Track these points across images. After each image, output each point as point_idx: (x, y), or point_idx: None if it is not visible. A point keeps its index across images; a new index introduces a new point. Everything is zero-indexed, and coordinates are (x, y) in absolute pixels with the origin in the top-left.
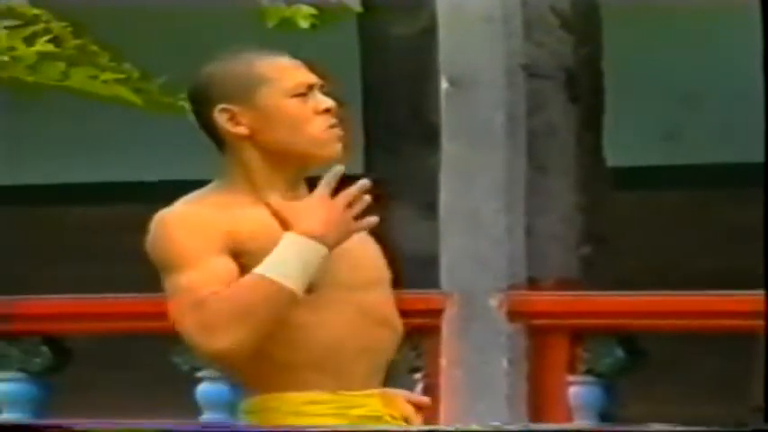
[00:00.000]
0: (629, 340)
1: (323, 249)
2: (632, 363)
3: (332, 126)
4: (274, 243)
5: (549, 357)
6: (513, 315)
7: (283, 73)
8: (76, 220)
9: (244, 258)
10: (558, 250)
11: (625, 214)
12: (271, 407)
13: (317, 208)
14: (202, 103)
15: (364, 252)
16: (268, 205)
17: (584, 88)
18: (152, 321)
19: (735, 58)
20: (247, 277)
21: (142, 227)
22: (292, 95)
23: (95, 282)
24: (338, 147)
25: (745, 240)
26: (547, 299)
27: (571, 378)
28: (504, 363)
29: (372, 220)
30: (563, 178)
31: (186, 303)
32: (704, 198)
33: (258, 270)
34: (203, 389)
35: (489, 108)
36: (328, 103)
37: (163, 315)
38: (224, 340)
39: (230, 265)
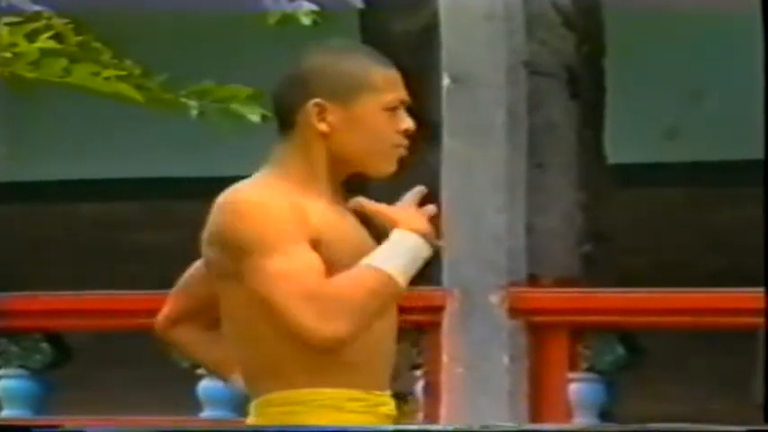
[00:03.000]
0: (629, 337)
1: (429, 249)
2: (632, 360)
3: (401, 146)
4: (343, 240)
5: (549, 354)
6: (514, 312)
7: (388, 84)
8: (81, 217)
9: (317, 250)
10: (558, 247)
11: (626, 212)
12: (311, 400)
13: (416, 213)
14: (296, 90)
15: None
16: (359, 204)
17: (586, 86)
18: (153, 318)
19: (735, 56)
20: (364, 269)
21: (141, 224)
22: (387, 108)
23: (101, 278)
24: (395, 167)
25: (745, 238)
26: (547, 296)
27: (571, 375)
28: (505, 360)
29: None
30: (564, 176)
31: (297, 292)
32: (705, 196)
33: (374, 263)
34: (204, 386)
35: (490, 105)
36: (410, 123)
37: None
38: (342, 330)
39: (316, 255)
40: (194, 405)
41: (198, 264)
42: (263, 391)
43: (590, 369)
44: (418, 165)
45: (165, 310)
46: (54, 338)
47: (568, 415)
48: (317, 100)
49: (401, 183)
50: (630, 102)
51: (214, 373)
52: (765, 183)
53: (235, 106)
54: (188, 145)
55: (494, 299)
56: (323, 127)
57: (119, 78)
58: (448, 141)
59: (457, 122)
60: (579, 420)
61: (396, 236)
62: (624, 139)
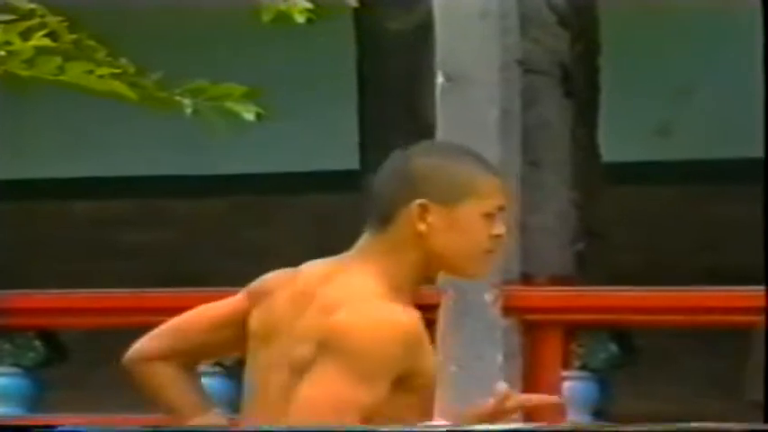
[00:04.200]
0: (622, 336)
1: None
2: (626, 358)
3: (492, 251)
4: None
5: (543, 352)
6: (508, 310)
7: (491, 191)
8: (75, 216)
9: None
10: (552, 245)
11: (619, 210)
12: None
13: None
14: (401, 187)
15: None
16: (505, 394)
17: (580, 84)
18: (146, 316)
19: (728, 54)
20: None
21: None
22: (486, 214)
23: (93, 276)
24: (486, 270)
25: (739, 236)
26: (541, 294)
27: (565, 373)
28: (499, 358)
29: None
30: (557, 173)
31: (353, 417)
32: (698, 193)
33: None
34: (201, 384)
35: (484, 103)
36: (503, 230)
37: (156, 310)
38: None
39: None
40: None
41: (210, 308)
42: None
43: (583, 367)
44: None
45: (147, 346)
46: (48, 336)
47: (562, 413)
48: (422, 201)
49: None
50: (624, 100)
51: (178, 413)
52: (765, 182)
53: (229, 104)
54: (182, 143)
55: (487, 297)
56: (422, 227)
57: (113, 76)
58: (441, 138)
59: (451, 121)
60: (573, 418)
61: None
62: (618, 137)
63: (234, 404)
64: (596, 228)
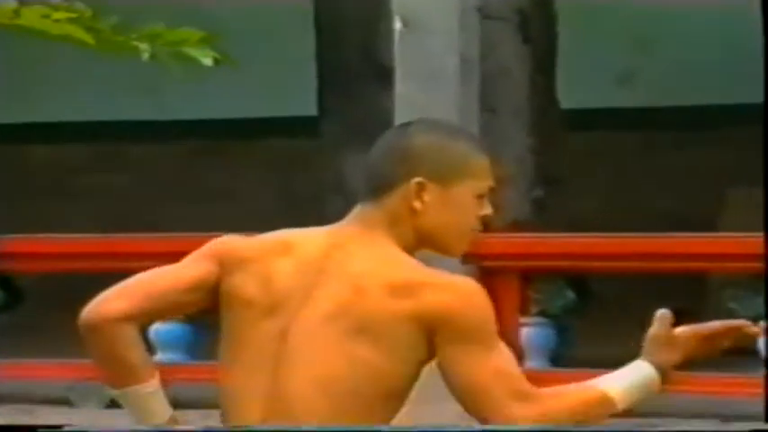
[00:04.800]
0: (580, 282)
1: (660, 383)
2: (583, 304)
3: (476, 230)
4: None
5: (500, 299)
6: (465, 257)
7: (484, 174)
8: (33, 160)
9: None
10: (510, 192)
11: (578, 156)
12: None
13: (666, 344)
14: (400, 164)
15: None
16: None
17: (538, 30)
18: (104, 261)
19: (688, 3)
20: (597, 392)
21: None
22: (478, 195)
23: (51, 220)
24: (465, 249)
25: (696, 182)
26: (499, 241)
27: (523, 319)
28: None
29: None
30: (516, 120)
31: (511, 389)
32: (657, 141)
33: (611, 391)
34: (156, 329)
35: (442, 50)
36: (488, 210)
37: (115, 255)
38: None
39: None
40: (147, 349)
41: (177, 271)
42: None
43: (541, 313)
44: (372, 108)
45: (121, 305)
46: (5, 281)
47: (520, 359)
48: (420, 179)
49: (354, 125)
50: (582, 47)
51: (130, 374)
52: (765, 131)
53: (186, 49)
54: (140, 88)
55: None
56: (417, 205)
57: (69, 21)
58: (400, 86)
59: (408, 67)
60: (530, 363)
61: (644, 370)
62: (576, 84)
63: (186, 348)
64: (555, 174)
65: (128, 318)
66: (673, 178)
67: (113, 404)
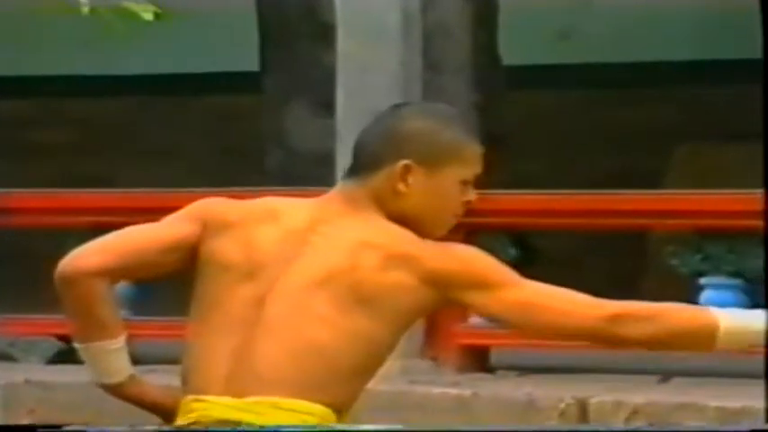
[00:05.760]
0: (523, 238)
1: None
2: (526, 261)
3: (459, 215)
4: None
5: None
6: None
7: (473, 160)
8: None
9: None
10: None
11: (520, 113)
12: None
13: None
14: (389, 145)
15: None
16: None
17: None
18: (48, 216)
19: None
20: (705, 309)
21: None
22: (464, 181)
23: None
24: (443, 234)
25: (637, 140)
26: None
27: None
28: None
29: None
30: (458, 77)
31: (568, 298)
32: (600, 97)
33: (725, 320)
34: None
35: (383, 5)
36: (473, 197)
37: (59, 210)
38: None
39: None
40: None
41: (158, 230)
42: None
43: None
44: (313, 64)
45: (99, 260)
46: None
47: (462, 315)
48: (407, 161)
49: (296, 81)
50: (523, 3)
51: (101, 329)
52: (764, 87)
53: (126, 4)
54: (81, 43)
55: None
56: (401, 187)
57: None
58: (342, 43)
59: (350, 24)
60: (472, 320)
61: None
62: (518, 41)
63: (131, 305)
64: (498, 132)
65: (102, 273)
66: (616, 135)
67: (55, 359)
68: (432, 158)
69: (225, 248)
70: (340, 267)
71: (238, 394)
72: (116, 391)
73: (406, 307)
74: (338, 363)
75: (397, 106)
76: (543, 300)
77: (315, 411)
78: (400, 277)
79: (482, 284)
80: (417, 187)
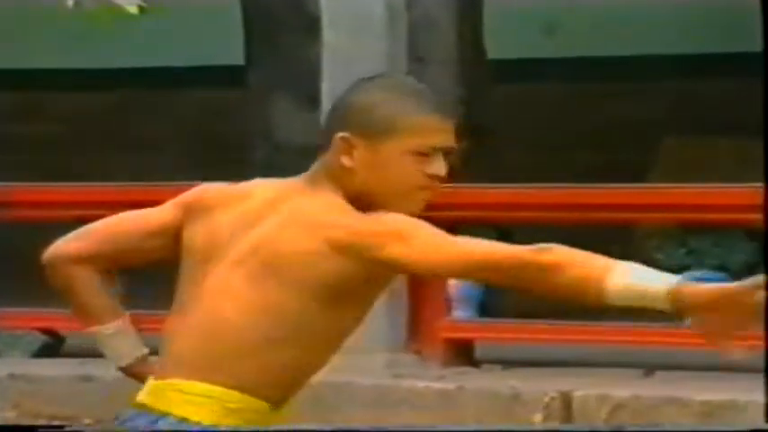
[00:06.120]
0: (505, 233)
1: (662, 304)
2: None
3: (428, 188)
4: None
5: None
6: None
7: (421, 130)
8: None
9: None
10: None
11: (505, 107)
12: (216, 397)
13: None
14: (337, 117)
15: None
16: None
17: None
18: (32, 210)
19: None
20: (603, 259)
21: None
22: (414, 153)
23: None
24: (418, 208)
25: (622, 134)
26: None
27: None
28: None
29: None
30: (443, 70)
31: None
32: (584, 91)
33: (613, 265)
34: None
35: None
36: (439, 169)
37: (44, 204)
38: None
39: None
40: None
41: (143, 216)
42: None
43: None
44: (299, 57)
45: (72, 247)
46: None
47: (447, 309)
48: (345, 134)
49: (281, 75)
50: None
51: (89, 316)
52: (765, 78)
53: None
54: (66, 37)
55: None
56: (346, 161)
57: None
58: (327, 35)
59: (336, 16)
60: (456, 314)
61: (665, 276)
62: (503, 35)
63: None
64: (483, 125)
65: (82, 259)
66: (601, 129)
67: (39, 353)
68: (371, 131)
69: (195, 234)
70: (261, 242)
71: (161, 377)
72: (127, 372)
73: (319, 275)
74: (241, 338)
75: (361, 80)
76: (458, 241)
77: (213, 394)
78: (312, 246)
79: (395, 238)
80: (362, 161)
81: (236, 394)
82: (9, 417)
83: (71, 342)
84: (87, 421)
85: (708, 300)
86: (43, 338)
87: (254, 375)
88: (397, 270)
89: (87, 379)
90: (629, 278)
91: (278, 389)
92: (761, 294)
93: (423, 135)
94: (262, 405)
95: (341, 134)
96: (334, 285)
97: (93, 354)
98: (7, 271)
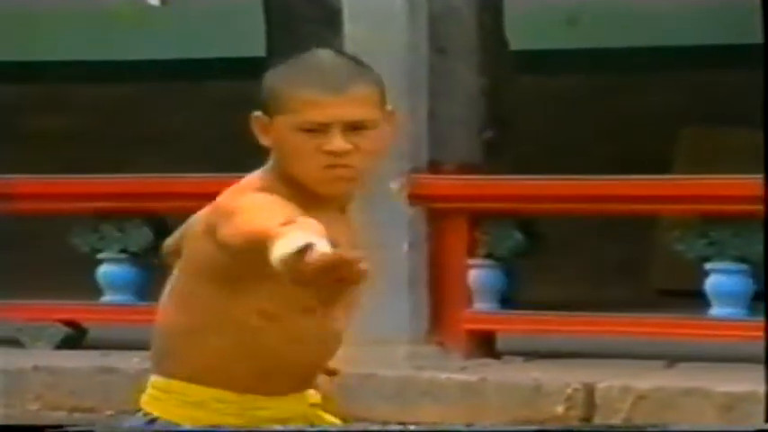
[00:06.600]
0: (528, 224)
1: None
2: (531, 246)
3: (331, 166)
4: None
5: (448, 241)
6: (415, 198)
7: (305, 108)
8: None
9: None
10: (460, 134)
11: (527, 98)
12: (175, 391)
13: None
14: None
15: None
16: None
17: None
18: (52, 202)
19: None
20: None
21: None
22: (302, 129)
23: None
24: (338, 186)
25: (643, 125)
26: (448, 182)
27: (471, 261)
28: (405, 246)
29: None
30: (465, 61)
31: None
32: (605, 82)
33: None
34: (104, 270)
35: None
36: (334, 145)
37: (66, 197)
38: None
39: None
40: (94, 290)
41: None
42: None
43: (489, 255)
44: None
45: (170, 241)
46: None
47: (469, 300)
48: (257, 114)
49: None
50: None
51: None
52: (765, 70)
53: None
54: (87, 28)
55: (394, 185)
56: (264, 140)
57: None
58: (348, 27)
59: (357, 7)
60: (478, 305)
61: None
62: (525, 26)
63: (135, 290)
64: (505, 116)
65: (176, 252)
66: (622, 120)
67: (62, 345)
68: (270, 109)
69: None
70: (186, 233)
71: None
72: None
73: (202, 258)
74: (162, 329)
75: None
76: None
77: (156, 385)
78: (199, 230)
79: (228, 217)
80: (272, 140)
81: (192, 387)
82: (31, 409)
83: (93, 334)
84: (109, 413)
85: (314, 268)
86: (66, 330)
87: (198, 365)
88: (226, 249)
89: (109, 371)
90: (281, 250)
91: (236, 377)
92: (360, 266)
93: (304, 111)
94: (225, 395)
95: (254, 113)
96: (216, 266)
97: (116, 345)
98: (29, 262)
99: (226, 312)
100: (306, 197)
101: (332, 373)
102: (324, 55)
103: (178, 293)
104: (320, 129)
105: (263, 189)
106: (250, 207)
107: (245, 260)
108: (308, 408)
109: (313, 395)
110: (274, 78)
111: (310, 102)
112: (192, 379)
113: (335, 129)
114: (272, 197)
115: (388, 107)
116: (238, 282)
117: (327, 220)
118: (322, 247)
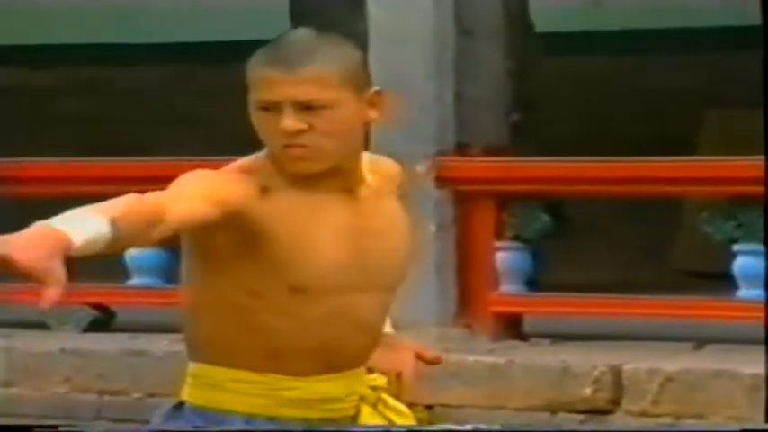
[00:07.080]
0: (555, 206)
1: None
2: (558, 229)
3: (291, 146)
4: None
5: (476, 223)
6: (441, 181)
7: (260, 86)
8: (10, 83)
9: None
10: (487, 116)
11: (554, 80)
12: (196, 375)
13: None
14: None
15: (376, 254)
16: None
17: None
18: (78, 185)
19: None
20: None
21: (67, 91)
22: (260, 108)
23: (31, 145)
24: (298, 165)
25: (669, 107)
26: (475, 165)
27: (498, 244)
28: (432, 229)
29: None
30: (492, 43)
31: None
32: (630, 64)
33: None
34: (132, 253)
35: None
36: (285, 123)
37: (95, 180)
38: None
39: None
40: (122, 273)
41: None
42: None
43: (516, 238)
44: (344, 33)
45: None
46: None
47: (496, 283)
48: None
49: None
50: None
51: None
52: (764, 55)
53: None
54: (116, 11)
55: (421, 168)
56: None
57: None
58: (374, 10)
59: None
60: (505, 288)
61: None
62: (550, 8)
63: (161, 272)
64: (531, 98)
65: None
66: (647, 102)
67: (90, 328)
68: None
69: None
70: None
71: None
72: None
73: (187, 238)
74: (189, 314)
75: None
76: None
77: (188, 370)
78: None
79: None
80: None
81: (208, 368)
82: (60, 392)
83: (122, 317)
84: (137, 395)
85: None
86: (94, 313)
87: (208, 346)
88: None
89: (138, 353)
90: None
91: (246, 357)
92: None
93: (259, 89)
94: (243, 374)
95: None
96: (195, 244)
97: (144, 328)
98: None
99: (220, 292)
100: (297, 177)
101: (428, 360)
102: (295, 34)
103: (184, 275)
104: (273, 107)
105: (242, 170)
106: (174, 184)
107: (200, 237)
108: (365, 390)
109: (373, 378)
110: (251, 58)
111: (264, 80)
112: (207, 360)
113: (288, 107)
114: (214, 176)
115: (372, 89)
116: (222, 261)
117: (324, 200)
118: (81, 227)
